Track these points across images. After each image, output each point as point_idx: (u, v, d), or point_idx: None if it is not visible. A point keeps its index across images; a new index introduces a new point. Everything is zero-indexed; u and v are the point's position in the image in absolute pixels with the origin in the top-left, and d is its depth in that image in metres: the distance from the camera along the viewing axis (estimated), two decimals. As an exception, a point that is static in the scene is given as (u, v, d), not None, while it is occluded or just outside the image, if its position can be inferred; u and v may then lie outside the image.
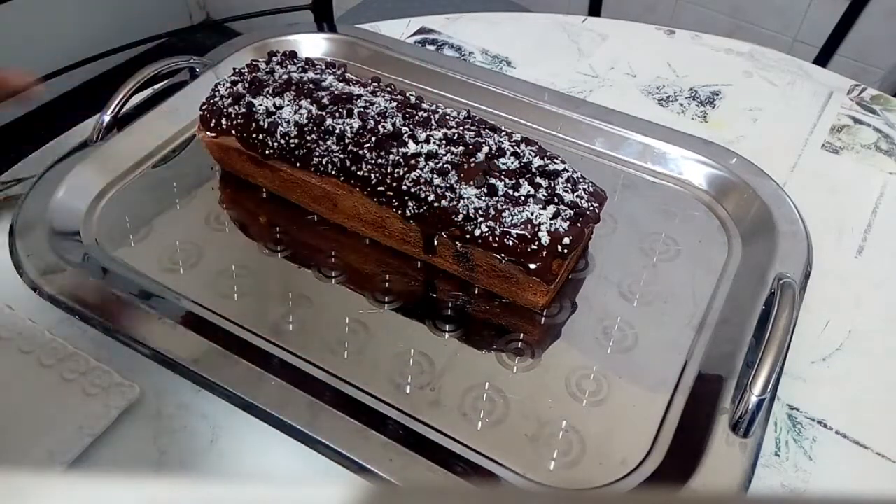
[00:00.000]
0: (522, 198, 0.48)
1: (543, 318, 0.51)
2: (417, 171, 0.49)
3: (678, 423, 0.44)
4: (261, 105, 0.55)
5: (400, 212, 0.50)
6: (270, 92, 0.56)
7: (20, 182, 0.60)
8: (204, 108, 0.57)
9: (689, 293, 0.53)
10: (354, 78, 0.58)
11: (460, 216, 0.48)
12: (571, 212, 0.48)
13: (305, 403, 0.43)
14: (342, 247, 0.56)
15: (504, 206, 0.48)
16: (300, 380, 0.45)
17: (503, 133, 0.54)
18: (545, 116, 0.67)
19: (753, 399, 0.42)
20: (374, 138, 0.51)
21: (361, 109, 0.53)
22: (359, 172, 0.51)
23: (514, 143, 0.52)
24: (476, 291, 0.53)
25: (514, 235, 0.47)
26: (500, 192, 0.48)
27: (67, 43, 1.73)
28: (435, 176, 0.49)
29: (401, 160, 0.50)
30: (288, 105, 0.54)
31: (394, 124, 0.52)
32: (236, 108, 0.55)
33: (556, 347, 0.49)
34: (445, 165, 0.49)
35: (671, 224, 0.58)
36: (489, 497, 0.15)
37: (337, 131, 0.52)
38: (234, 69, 0.59)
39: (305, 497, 0.13)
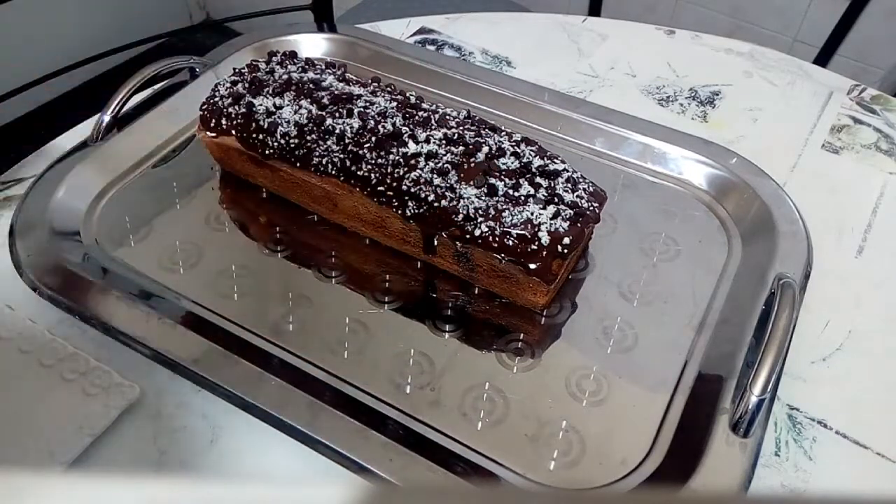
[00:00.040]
0: (522, 198, 0.48)
1: (543, 318, 0.51)
2: (417, 171, 0.49)
3: (678, 423, 0.44)
4: (261, 105, 0.55)
5: (400, 212, 0.50)
6: (270, 92, 0.56)
7: (20, 182, 0.60)
8: (204, 108, 0.57)
9: (689, 293, 0.53)
10: (354, 78, 0.58)
11: (460, 216, 0.48)
12: (571, 212, 0.48)
13: (305, 403, 0.43)
14: (342, 247, 0.56)
15: (504, 206, 0.48)
16: (300, 380, 0.45)
17: (503, 133, 0.54)
18: (545, 116, 0.67)
19: (753, 399, 0.42)
20: (374, 138, 0.51)
21: (361, 109, 0.53)
22: (359, 172, 0.51)
23: (514, 143, 0.52)
24: (476, 291, 0.53)
25: (514, 235, 0.47)
26: (500, 192, 0.48)
27: (67, 43, 1.73)
28: (435, 176, 0.49)
29: (401, 160, 0.50)
30: (288, 105, 0.54)
31: (394, 124, 0.52)
32: (236, 108, 0.55)
33: (556, 347, 0.49)
34: (445, 165, 0.49)
35: (671, 224, 0.58)
36: (489, 497, 0.15)
37: (337, 131, 0.52)
38: (234, 69, 0.59)
39: (305, 497, 0.13)
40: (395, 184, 0.50)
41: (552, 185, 0.49)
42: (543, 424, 0.44)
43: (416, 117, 0.53)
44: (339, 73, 0.58)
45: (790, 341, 0.44)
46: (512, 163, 0.50)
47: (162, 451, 0.43)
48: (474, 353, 0.49)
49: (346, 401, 0.45)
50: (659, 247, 0.56)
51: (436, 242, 0.51)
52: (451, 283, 0.53)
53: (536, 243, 0.46)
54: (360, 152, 0.51)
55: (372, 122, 0.52)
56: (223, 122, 0.56)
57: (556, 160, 0.52)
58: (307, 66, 0.59)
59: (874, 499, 0.13)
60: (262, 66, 0.59)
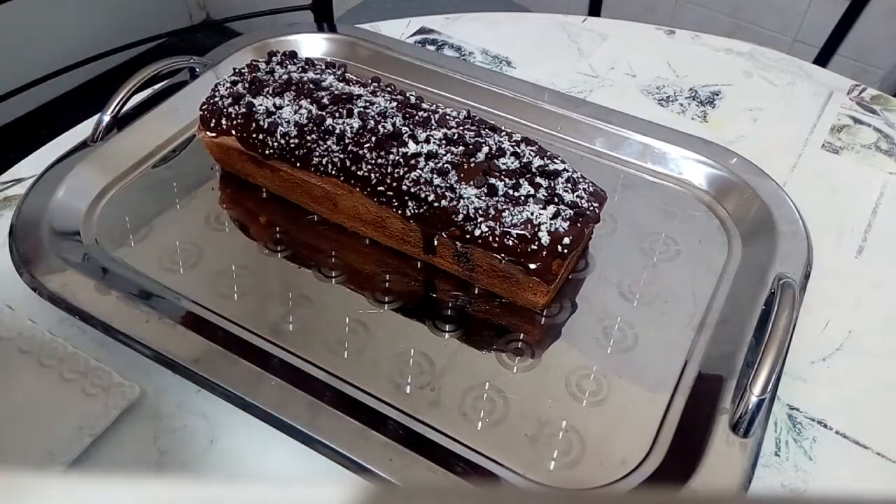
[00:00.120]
0: (522, 198, 0.48)
1: (543, 318, 0.51)
2: (417, 171, 0.49)
3: (678, 423, 0.44)
4: (261, 105, 0.55)
5: (400, 212, 0.50)
6: (270, 92, 0.56)
7: (20, 182, 0.60)
8: (204, 108, 0.57)
9: (689, 293, 0.53)
10: (354, 78, 0.58)
11: (460, 216, 0.48)
12: (571, 212, 0.48)
13: (305, 403, 0.43)
14: (342, 247, 0.56)
15: (504, 206, 0.48)
16: (300, 380, 0.45)
17: (503, 133, 0.54)
18: (545, 116, 0.67)
19: (753, 399, 0.42)
20: (374, 138, 0.51)
21: (361, 109, 0.53)
22: (359, 172, 0.51)
23: (514, 143, 0.52)
24: (476, 291, 0.53)
25: (514, 235, 0.47)
26: (500, 192, 0.48)
27: (67, 43, 1.73)
28: (435, 176, 0.49)
29: (401, 160, 0.50)
30: (288, 105, 0.54)
31: (394, 124, 0.52)
32: (236, 108, 0.55)
33: (556, 347, 0.49)
34: (445, 165, 0.49)
35: (671, 224, 0.58)
36: (489, 497, 0.15)
37: (337, 131, 0.52)
38: (234, 69, 0.59)
39: (305, 497, 0.13)
40: (395, 184, 0.50)
41: (552, 185, 0.49)
42: (543, 424, 0.44)
43: (416, 117, 0.53)
44: (339, 73, 0.58)
45: (790, 341, 0.44)
46: (512, 163, 0.50)
47: (162, 451, 0.43)
48: (474, 353, 0.49)
49: (346, 401, 0.45)
50: (659, 247, 0.56)
51: (436, 242, 0.51)
52: (451, 283, 0.53)
53: (536, 243, 0.46)
54: (360, 152, 0.51)
55: (372, 122, 0.52)
56: (223, 122, 0.56)
57: (556, 160, 0.52)
58: (307, 66, 0.59)
59: (874, 499, 0.13)
60: (262, 66, 0.59)
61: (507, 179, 0.49)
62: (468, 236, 0.48)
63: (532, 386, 0.47)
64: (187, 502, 0.13)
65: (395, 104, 0.54)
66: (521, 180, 0.49)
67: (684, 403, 0.45)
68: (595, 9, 1.15)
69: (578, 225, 0.48)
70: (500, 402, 0.46)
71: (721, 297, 0.52)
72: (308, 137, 0.53)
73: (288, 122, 0.53)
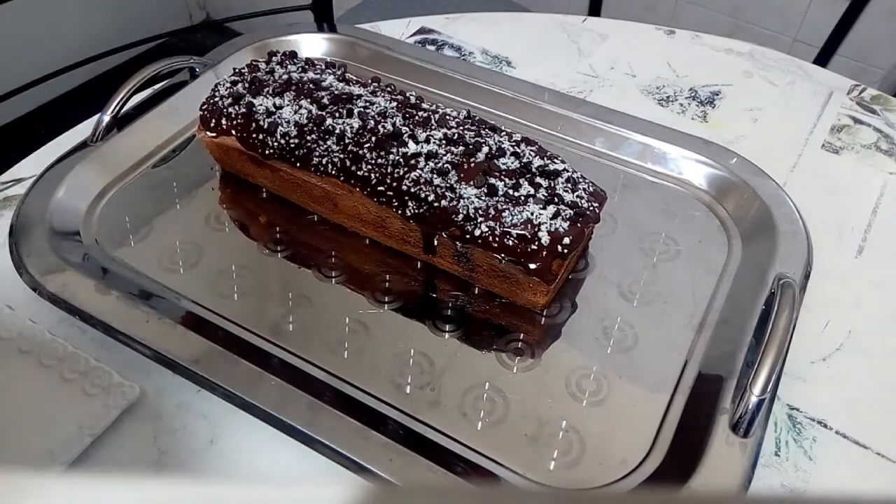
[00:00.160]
0: (522, 198, 0.48)
1: (543, 318, 0.51)
2: (417, 171, 0.49)
3: (678, 423, 0.44)
4: (261, 105, 0.55)
5: (400, 212, 0.50)
6: (270, 92, 0.56)
7: (20, 182, 0.60)
8: (204, 108, 0.57)
9: (689, 293, 0.53)
10: (354, 78, 0.58)
11: (460, 216, 0.48)
12: (571, 212, 0.48)
13: (305, 403, 0.43)
14: (342, 247, 0.56)
15: (504, 206, 0.48)
16: (300, 380, 0.45)
17: (503, 133, 0.54)
18: (545, 116, 0.67)
19: (753, 399, 0.42)
20: (374, 138, 0.51)
21: (361, 109, 0.53)
22: (359, 172, 0.51)
23: (514, 143, 0.52)
24: (476, 291, 0.53)
25: (514, 235, 0.47)
26: (500, 192, 0.48)
27: (67, 43, 1.73)
28: (435, 176, 0.49)
29: (401, 160, 0.50)
30: (288, 105, 0.54)
31: (394, 124, 0.52)
32: (236, 108, 0.55)
33: (556, 347, 0.49)
34: (445, 165, 0.49)
35: (671, 224, 0.58)
36: (489, 497, 0.15)
37: (337, 131, 0.52)
38: (234, 69, 0.59)
39: (305, 497, 0.13)
40: (395, 184, 0.50)
41: (552, 185, 0.49)
42: (543, 424, 0.44)
43: (416, 117, 0.53)
44: (339, 73, 0.58)
45: (790, 341, 0.44)
46: (512, 163, 0.50)
47: (162, 451, 0.43)
48: (474, 353, 0.49)
49: (346, 401, 0.45)
50: (659, 247, 0.56)
51: (436, 242, 0.51)
52: (451, 283, 0.53)
53: (536, 243, 0.46)
54: (360, 152, 0.51)
55: (372, 122, 0.52)
56: (223, 122, 0.56)
57: (556, 160, 0.52)
58: (307, 66, 0.59)
59: (874, 499, 0.13)
60: (262, 66, 0.59)
61: (507, 179, 0.49)
62: (468, 236, 0.48)
63: (532, 386, 0.47)
64: (187, 502, 0.13)
65: (395, 104, 0.54)
66: (521, 180, 0.49)
67: (684, 403, 0.45)
68: (595, 9, 1.15)
69: (578, 225, 0.48)
70: (500, 402, 0.46)
71: (721, 297, 0.52)
72: (308, 137, 0.53)
73: (288, 122, 0.53)
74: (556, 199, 0.48)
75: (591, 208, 0.50)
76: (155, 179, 0.61)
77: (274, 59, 0.60)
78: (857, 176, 0.66)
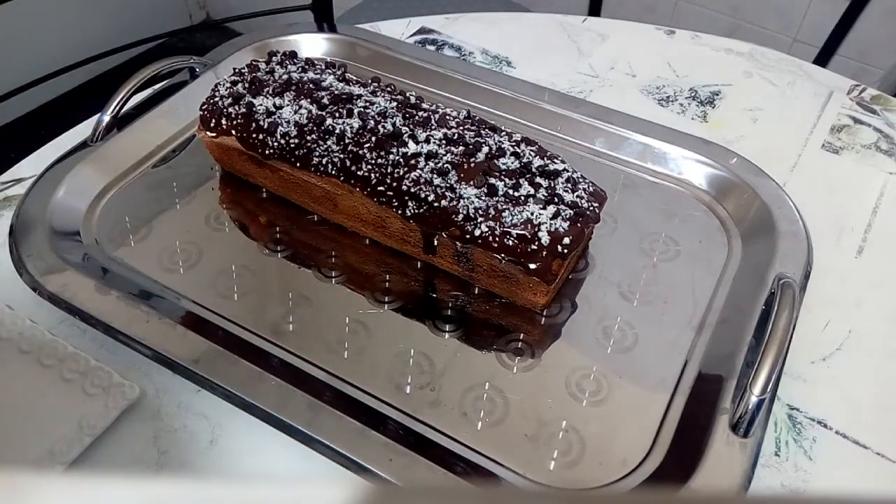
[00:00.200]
0: (522, 198, 0.48)
1: (543, 318, 0.51)
2: (417, 171, 0.49)
3: (678, 423, 0.44)
4: (261, 105, 0.55)
5: (400, 212, 0.50)
6: (270, 92, 0.56)
7: (20, 182, 0.60)
8: (204, 108, 0.57)
9: (689, 293, 0.53)
10: (354, 78, 0.58)
11: (460, 216, 0.48)
12: (571, 212, 0.48)
13: (305, 403, 0.43)
14: (342, 247, 0.56)
15: (504, 206, 0.48)
16: (300, 380, 0.45)
17: (503, 133, 0.54)
18: (545, 116, 0.67)
19: (753, 399, 0.42)
20: (374, 138, 0.51)
21: (361, 109, 0.53)
22: (359, 172, 0.51)
23: (514, 143, 0.52)
24: (476, 291, 0.53)
25: (514, 235, 0.47)
26: (500, 192, 0.48)
27: (67, 43, 1.73)
28: (435, 176, 0.49)
29: (401, 160, 0.50)
30: (288, 105, 0.54)
31: (394, 124, 0.52)
32: (236, 108, 0.55)
33: (556, 347, 0.49)
34: (445, 165, 0.49)
35: (671, 224, 0.58)
36: (489, 497, 0.15)
37: (337, 131, 0.52)
38: (234, 69, 0.59)
39: (305, 497, 0.13)
40: (395, 184, 0.50)
41: (552, 185, 0.49)
42: (543, 424, 0.44)
43: (416, 117, 0.53)
44: (339, 73, 0.58)
45: (790, 341, 0.44)
46: (512, 163, 0.50)
47: (162, 451, 0.43)
48: (474, 353, 0.49)
49: (346, 401, 0.45)
50: (659, 247, 0.56)
51: (436, 242, 0.51)
52: (451, 283, 0.53)
53: (536, 243, 0.46)
54: (360, 152, 0.51)
55: (372, 122, 0.52)
56: (223, 122, 0.56)
57: (556, 160, 0.52)
58: (307, 66, 0.59)
59: (874, 499, 0.13)
60: (262, 66, 0.59)
61: (507, 179, 0.49)
62: (468, 236, 0.48)
63: (532, 386, 0.47)
64: (187, 502, 0.13)
65: (395, 104, 0.54)
66: (521, 180, 0.49)
67: (684, 403, 0.45)
68: (595, 9, 1.15)
69: (578, 225, 0.48)
70: (500, 402, 0.46)
71: (721, 297, 0.52)
72: (308, 137, 0.53)
73: (288, 122, 0.53)
74: (556, 199, 0.48)
75: (591, 208, 0.50)
76: (155, 179, 0.61)
77: (274, 59, 0.60)
78: (857, 176, 0.66)
